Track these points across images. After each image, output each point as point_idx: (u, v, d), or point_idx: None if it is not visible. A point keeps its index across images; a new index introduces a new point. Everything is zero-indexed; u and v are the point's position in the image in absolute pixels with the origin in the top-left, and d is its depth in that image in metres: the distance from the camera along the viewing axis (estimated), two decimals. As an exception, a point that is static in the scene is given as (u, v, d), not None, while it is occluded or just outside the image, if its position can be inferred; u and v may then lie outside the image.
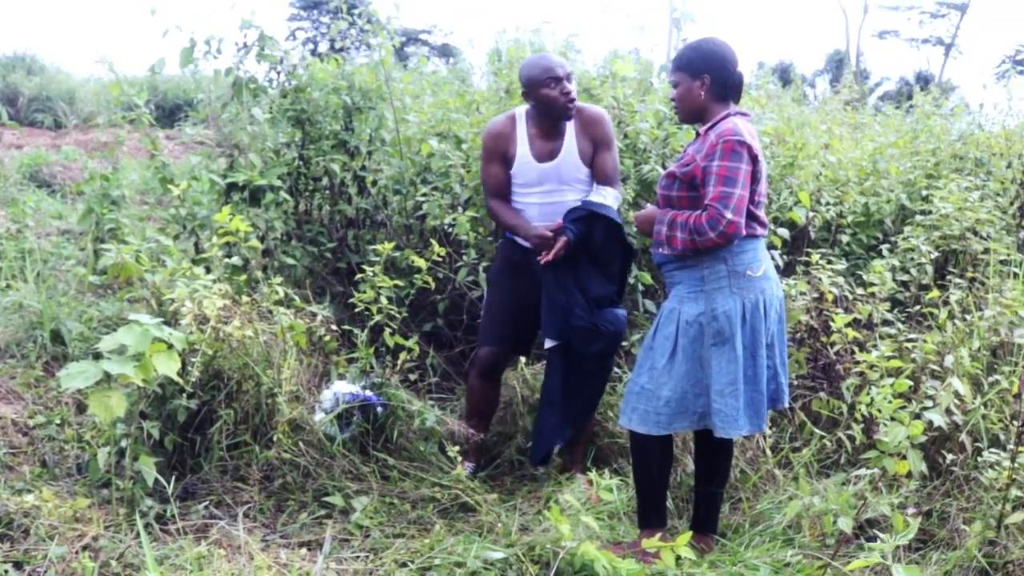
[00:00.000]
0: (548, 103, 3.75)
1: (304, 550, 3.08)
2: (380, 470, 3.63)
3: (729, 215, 2.95)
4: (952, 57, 38.70)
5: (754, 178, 3.07)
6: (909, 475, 2.89)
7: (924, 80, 35.44)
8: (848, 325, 4.00)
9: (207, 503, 3.38)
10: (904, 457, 2.68)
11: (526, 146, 3.84)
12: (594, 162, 3.82)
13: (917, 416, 2.69)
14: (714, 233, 2.97)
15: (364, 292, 3.87)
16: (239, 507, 3.37)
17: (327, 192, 5.17)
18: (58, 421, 3.92)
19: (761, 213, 3.17)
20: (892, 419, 2.66)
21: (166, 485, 3.29)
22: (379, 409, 3.75)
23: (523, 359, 4.36)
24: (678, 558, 2.81)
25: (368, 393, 3.76)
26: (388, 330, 3.86)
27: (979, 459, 3.41)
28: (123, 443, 3.32)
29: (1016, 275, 4.74)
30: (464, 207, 4.79)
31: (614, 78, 5.42)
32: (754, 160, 3.05)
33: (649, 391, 3.17)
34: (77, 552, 2.84)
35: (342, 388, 3.77)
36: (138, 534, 3.05)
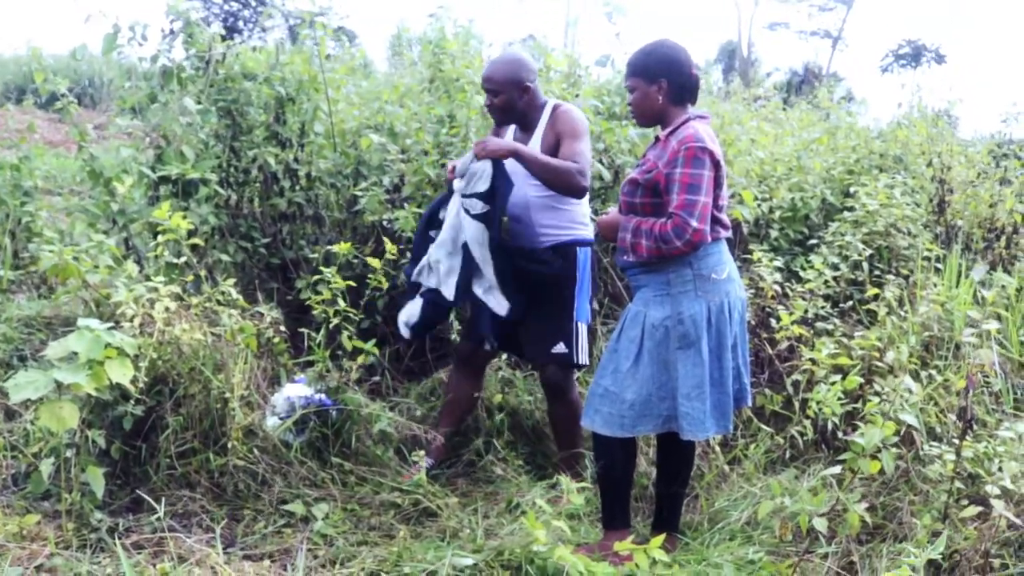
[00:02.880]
0: None
1: (267, 561, 2.99)
2: (338, 476, 3.55)
3: (694, 223, 2.97)
4: (839, 50, 40.01)
5: (716, 183, 3.10)
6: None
7: (812, 72, 36.53)
8: (794, 322, 4.09)
9: (159, 515, 3.24)
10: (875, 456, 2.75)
11: (508, 139, 3.92)
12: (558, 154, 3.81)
13: (887, 416, 2.75)
14: (680, 242, 2.98)
15: (320, 293, 3.77)
16: (192, 518, 3.25)
17: (258, 185, 5.01)
18: (-15, 430, 3.71)
19: (724, 216, 3.20)
20: (866, 420, 2.72)
21: (114, 497, 3.15)
22: (333, 413, 3.67)
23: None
24: (652, 560, 2.83)
25: (322, 397, 3.67)
26: (346, 333, 3.76)
27: (921, 453, 3.54)
28: (67, 453, 3.16)
29: (939, 270, 4.93)
30: (405, 202, 4.71)
31: (546, 71, 5.42)
32: (716, 165, 3.07)
33: (613, 393, 3.17)
34: (32, 573, 2.69)
35: (295, 392, 3.67)
36: (92, 550, 2.95)
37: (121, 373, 2.94)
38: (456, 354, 4.03)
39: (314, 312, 3.86)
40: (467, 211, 3.68)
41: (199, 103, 4.61)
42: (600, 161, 4.97)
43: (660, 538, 2.81)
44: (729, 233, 3.25)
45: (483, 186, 3.64)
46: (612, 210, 3.39)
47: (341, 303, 3.77)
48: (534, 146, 3.79)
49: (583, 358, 3.86)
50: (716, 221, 3.14)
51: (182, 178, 4.37)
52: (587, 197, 3.91)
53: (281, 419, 3.57)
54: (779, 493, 2.96)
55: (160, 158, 4.50)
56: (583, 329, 3.86)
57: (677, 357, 3.09)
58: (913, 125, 6.44)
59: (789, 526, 3.14)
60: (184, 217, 4.30)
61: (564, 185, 3.63)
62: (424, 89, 5.78)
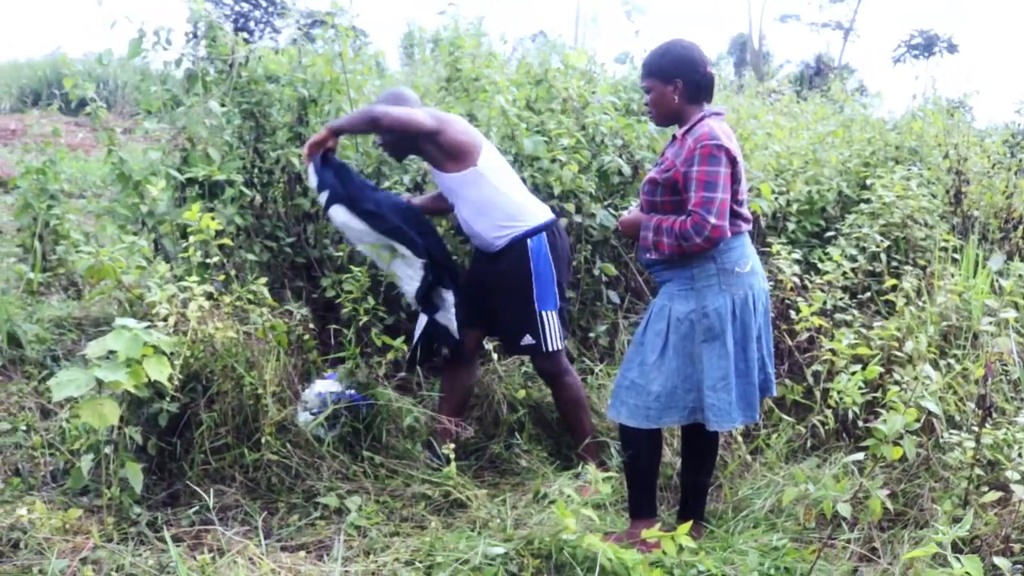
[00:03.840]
0: None
1: (303, 553, 3.07)
2: (369, 469, 3.63)
3: (713, 220, 3.03)
4: (851, 41, 39.84)
5: (734, 178, 3.15)
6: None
7: (824, 63, 36.44)
8: (813, 314, 4.14)
9: (197, 508, 3.33)
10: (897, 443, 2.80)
11: None
12: None
13: (908, 404, 2.81)
14: (700, 238, 3.04)
15: (348, 292, 3.84)
16: (228, 511, 3.34)
17: (282, 185, 5.09)
18: (24, 427, 3.81)
19: (744, 210, 3.26)
20: (888, 407, 2.78)
21: (151, 492, 3.24)
22: (363, 408, 3.74)
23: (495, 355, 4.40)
24: (680, 547, 2.90)
25: (352, 392, 3.75)
26: (375, 330, 3.83)
27: (940, 440, 3.59)
28: (106, 450, 3.25)
29: (955, 260, 4.97)
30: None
31: (567, 70, 5.47)
32: (732, 162, 3.13)
33: (639, 385, 3.24)
34: (77, 566, 2.77)
35: (325, 387, 3.75)
36: (133, 543, 3.03)
37: (159, 371, 3.02)
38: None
39: (343, 311, 3.92)
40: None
41: (223, 106, 4.70)
42: (620, 157, 5.04)
43: (687, 525, 2.88)
44: (750, 226, 3.31)
45: (313, 184, 3.90)
46: (633, 209, 3.45)
47: (371, 300, 3.83)
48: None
49: (553, 345, 3.94)
50: (737, 215, 3.20)
51: (208, 180, 4.46)
52: (520, 186, 4.08)
53: (313, 415, 3.65)
54: (802, 481, 3.02)
55: (186, 160, 4.58)
56: (549, 317, 3.94)
57: (703, 350, 3.16)
58: (929, 116, 6.46)
59: (813, 512, 3.19)
60: (212, 218, 4.41)
61: (366, 123, 3.92)
62: (442, 88, 5.85)
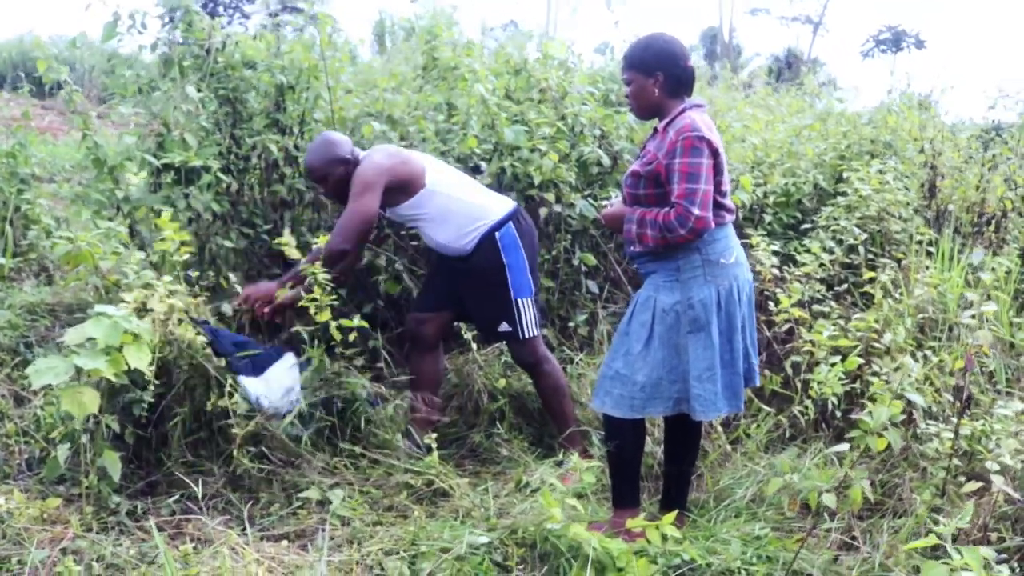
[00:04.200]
0: None
1: (285, 542, 3.04)
2: (349, 461, 3.59)
3: (696, 211, 3.03)
4: (820, 35, 40.24)
5: (717, 170, 3.16)
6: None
7: (794, 57, 36.77)
8: (794, 305, 4.16)
9: (177, 497, 3.29)
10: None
11: None
12: None
13: (898, 396, 2.83)
14: (684, 230, 3.05)
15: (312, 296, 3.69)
16: (208, 500, 3.30)
17: (258, 172, 5.04)
18: (-4, 416, 3.74)
19: (727, 201, 3.26)
20: (872, 399, 2.80)
21: (129, 481, 3.19)
22: (338, 403, 3.69)
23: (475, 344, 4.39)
24: (664, 537, 2.91)
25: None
26: (332, 323, 3.67)
27: (918, 431, 3.63)
28: (83, 439, 3.19)
29: (930, 253, 5.02)
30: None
31: (545, 59, 5.46)
32: (715, 153, 3.13)
33: (624, 376, 3.24)
34: (58, 556, 2.73)
35: (281, 380, 3.66)
36: (114, 532, 2.99)
37: (139, 358, 2.97)
38: (409, 335, 4.13)
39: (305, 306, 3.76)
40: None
41: (199, 91, 4.64)
42: (599, 147, 5.03)
43: (672, 515, 2.90)
44: (734, 217, 3.32)
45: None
46: (616, 201, 3.46)
47: (319, 294, 3.66)
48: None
49: (529, 331, 3.98)
50: (720, 206, 3.20)
51: (185, 166, 4.40)
52: (473, 185, 4.11)
53: (285, 413, 3.59)
54: (787, 471, 3.03)
55: (161, 146, 4.52)
56: (524, 304, 3.97)
57: (688, 341, 3.16)
58: (902, 111, 6.52)
59: (797, 502, 3.21)
60: (187, 204, 4.36)
61: (339, 254, 3.82)
62: (418, 76, 5.81)
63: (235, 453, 3.37)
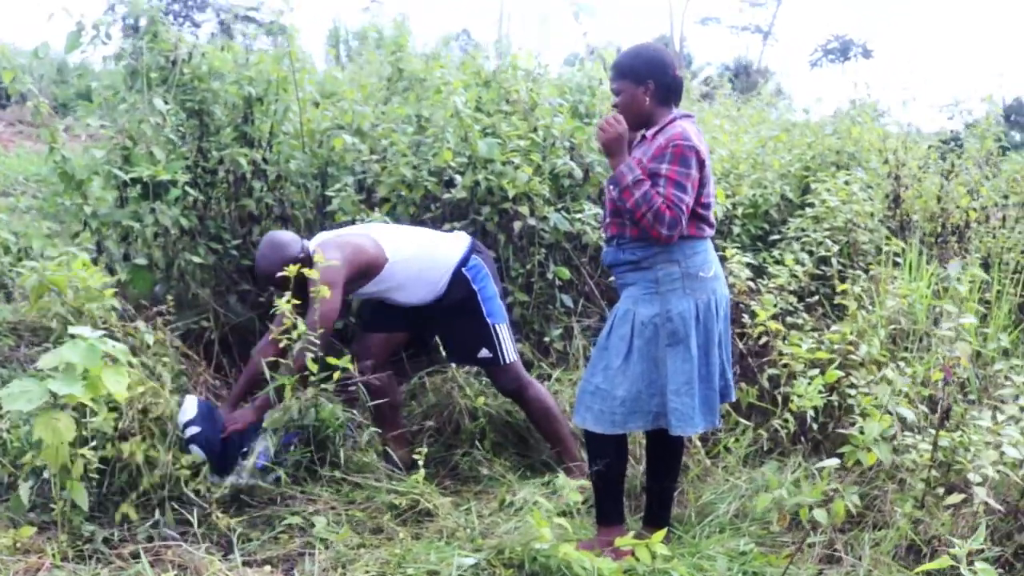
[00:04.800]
0: None
1: (268, 568, 2.98)
2: (330, 485, 3.52)
3: (682, 220, 3.04)
4: (769, 45, 40.78)
5: (701, 182, 3.15)
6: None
7: (743, 66, 37.20)
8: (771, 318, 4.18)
9: (152, 522, 3.21)
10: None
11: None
12: None
13: (888, 411, 2.85)
14: (667, 231, 3.02)
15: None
16: (186, 526, 3.22)
17: (225, 186, 4.95)
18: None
19: (709, 214, 3.25)
20: (854, 413, 2.81)
21: (101, 508, 3.11)
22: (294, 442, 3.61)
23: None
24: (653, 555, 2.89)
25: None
26: (310, 356, 3.50)
27: (896, 443, 3.65)
28: (45, 473, 3.09)
29: (897, 264, 5.08)
30: (379, 205, 4.70)
31: (513, 70, 5.44)
32: (701, 164, 3.13)
33: (604, 391, 3.21)
34: (35, 587, 2.65)
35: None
36: (93, 562, 2.91)
37: (116, 382, 2.89)
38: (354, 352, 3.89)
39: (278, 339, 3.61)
40: None
41: (165, 103, 4.55)
42: (571, 159, 5.02)
43: (661, 533, 2.88)
44: (713, 231, 3.32)
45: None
46: (620, 119, 3.25)
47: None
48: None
49: (509, 356, 3.97)
50: (702, 219, 3.20)
51: (153, 180, 4.31)
52: (427, 235, 4.07)
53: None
54: (776, 486, 3.04)
55: (127, 159, 4.42)
56: (501, 329, 3.97)
57: (666, 354, 3.15)
58: (865, 121, 6.60)
59: (786, 517, 3.22)
60: (155, 219, 4.27)
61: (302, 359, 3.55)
62: (384, 87, 5.77)
63: (214, 516, 3.26)
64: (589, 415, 3.26)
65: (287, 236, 3.80)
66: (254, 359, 3.69)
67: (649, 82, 3.21)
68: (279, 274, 3.59)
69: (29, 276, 3.41)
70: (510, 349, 3.97)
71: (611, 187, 3.17)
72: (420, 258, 3.88)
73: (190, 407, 3.45)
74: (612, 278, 3.40)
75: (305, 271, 3.50)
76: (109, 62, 4.67)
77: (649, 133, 3.22)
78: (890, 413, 2.94)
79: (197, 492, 3.34)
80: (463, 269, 3.92)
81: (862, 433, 2.87)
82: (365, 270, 3.77)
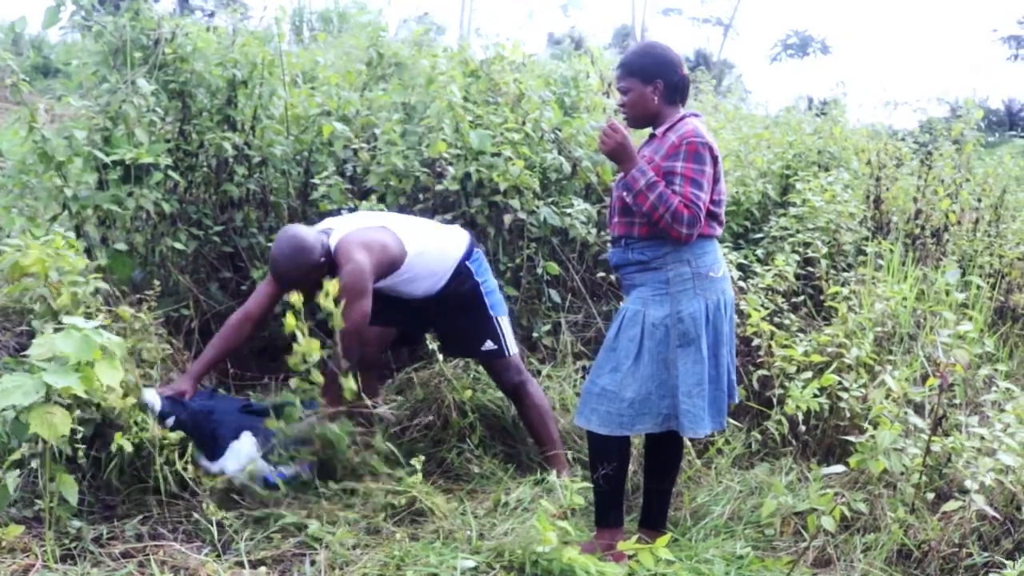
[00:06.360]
0: None
1: (263, 568, 2.91)
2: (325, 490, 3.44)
3: (701, 219, 3.03)
4: (730, 38, 41.04)
5: (714, 178, 3.13)
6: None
7: (703, 58, 37.40)
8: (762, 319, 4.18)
9: (141, 518, 3.12)
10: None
11: None
12: None
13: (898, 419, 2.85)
14: (686, 230, 3.00)
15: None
16: (176, 525, 3.14)
17: (206, 169, 4.83)
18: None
19: (721, 212, 3.23)
20: (873, 423, 2.81)
21: (87, 504, 3.02)
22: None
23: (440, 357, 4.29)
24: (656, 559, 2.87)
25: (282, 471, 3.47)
26: (315, 371, 3.41)
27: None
28: (33, 463, 2.98)
29: (879, 266, 5.11)
30: (367, 196, 4.61)
31: (500, 61, 5.37)
32: (715, 161, 3.11)
33: (611, 392, 3.17)
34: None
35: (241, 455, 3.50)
36: (84, 561, 2.82)
37: (111, 375, 2.80)
38: None
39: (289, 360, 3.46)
40: None
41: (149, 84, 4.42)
42: (559, 153, 4.98)
43: (666, 537, 2.86)
44: (722, 230, 3.30)
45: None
46: (622, 123, 3.24)
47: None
48: None
49: (512, 348, 3.94)
50: (713, 217, 3.18)
51: (134, 162, 4.18)
52: (434, 227, 3.99)
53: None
54: (781, 492, 3.03)
55: (107, 140, 4.28)
56: (504, 322, 3.94)
57: (677, 355, 3.12)
58: (841, 119, 6.65)
59: (791, 524, 3.22)
60: (137, 204, 4.14)
61: (355, 342, 3.51)
62: (364, 73, 5.67)
63: (206, 508, 3.17)
64: (595, 417, 3.21)
65: (309, 237, 3.57)
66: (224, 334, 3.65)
67: (658, 81, 3.18)
68: (299, 280, 3.49)
69: (8, 255, 3.27)
70: (512, 342, 3.93)
71: (625, 193, 3.13)
72: (431, 250, 3.81)
73: (153, 399, 3.36)
74: (614, 276, 3.37)
75: (328, 284, 3.35)
76: (88, 39, 4.51)
77: (659, 131, 3.19)
78: (903, 422, 2.93)
79: (186, 487, 3.27)
80: (467, 262, 3.87)
81: (872, 441, 2.86)
82: (387, 268, 3.68)
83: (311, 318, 3.72)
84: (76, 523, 2.99)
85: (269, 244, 4.65)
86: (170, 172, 4.38)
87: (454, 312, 3.88)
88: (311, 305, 3.44)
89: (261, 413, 3.53)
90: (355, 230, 3.68)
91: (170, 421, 3.34)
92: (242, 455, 3.39)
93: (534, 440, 3.98)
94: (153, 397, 3.35)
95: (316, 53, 6.18)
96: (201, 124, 4.69)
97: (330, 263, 3.56)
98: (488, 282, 3.94)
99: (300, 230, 3.60)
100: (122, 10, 4.53)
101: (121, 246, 4.21)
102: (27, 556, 2.74)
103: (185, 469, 3.29)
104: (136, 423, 3.19)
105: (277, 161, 4.85)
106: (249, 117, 4.81)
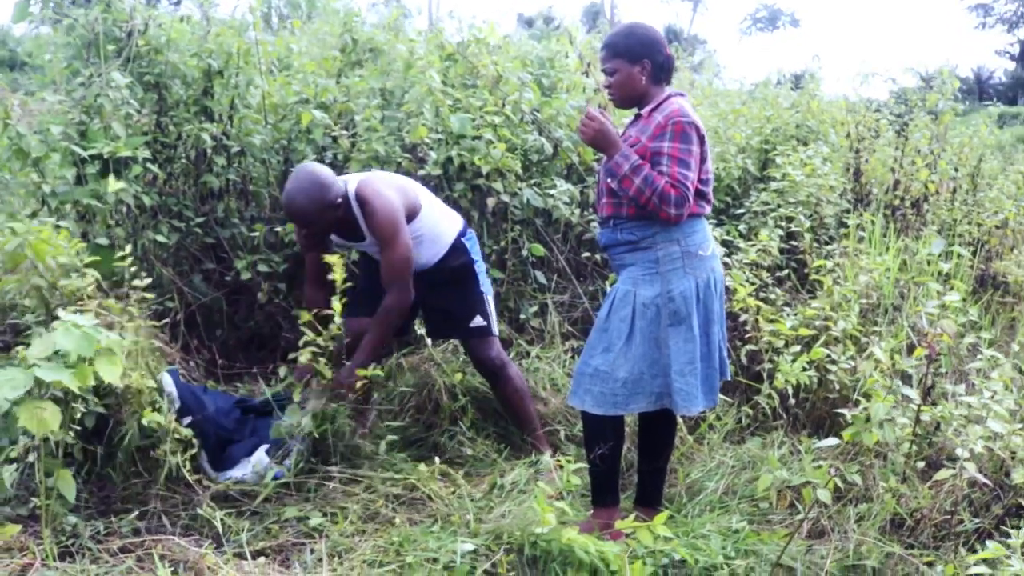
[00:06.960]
0: None
1: (263, 559, 2.90)
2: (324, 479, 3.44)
3: (690, 198, 3.03)
4: (699, 13, 41.05)
5: (701, 157, 3.13)
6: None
7: (673, 34, 37.41)
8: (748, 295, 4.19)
9: (137, 513, 3.11)
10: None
11: None
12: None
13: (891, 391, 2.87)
14: (675, 210, 3.00)
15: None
16: (172, 518, 3.12)
17: (185, 161, 4.78)
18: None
19: (708, 191, 3.24)
20: (864, 395, 2.83)
21: (83, 500, 3.00)
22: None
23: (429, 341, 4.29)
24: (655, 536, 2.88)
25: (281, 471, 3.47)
26: (315, 360, 3.47)
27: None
28: (30, 457, 2.96)
29: (861, 238, 5.14)
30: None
31: (478, 44, 5.34)
32: (701, 140, 3.11)
33: (604, 372, 3.18)
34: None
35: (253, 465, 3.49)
36: (80, 557, 2.80)
37: (110, 371, 2.77)
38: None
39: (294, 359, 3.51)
40: None
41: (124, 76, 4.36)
42: (540, 133, 4.97)
43: (664, 515, 2.87)
44: (711, 208, 3.30)
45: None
46: (602, 113, 3.20)
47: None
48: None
49: (496, 327, 3.98)
50: (701, 196, 3.18)
51: (112, 156, 4.13)
52: (434, 196, 3.97)
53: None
54: (775, 467, 3.05)
55: (84, 135, 4.23)
56: (490, 300, 3.97)
57: (668, 334, 3.12)
58: (817, 92, 6.67)
59: (786, 497, 3.24)
60: (117, 198, 4.10)
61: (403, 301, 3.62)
62: (338, 59, 5.62)
63: (201, 510, 3.16)
64: (588, 397, 3.22)
65: (326, 174, 3.52)
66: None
67: (645, 61, 3.17)
68: (315, 218, 3.49)
69: (6, 241, 3.23)
70: (495, 320, 3.96)
71: (609, 179, 3.13)
72: (437, 214, 3.82)
73: (170, 386, 3.35)
74: (600, 256, 3.37)
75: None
76: (60, 33, 4.45)
77: (645, 111, 3.19)
78: (894, 394, 2.95)
79: (187, 484, 3.25)
80: (462, 238, 3.88)
81: (866, 413, 2.89)
82: (409, 212, 3.65)
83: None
84: (72, 519, 2.97)
85: (251, 234, 4.63)
86: (149, 165, 4.34)
87: (448, 287, 3.87)
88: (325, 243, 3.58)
89: (257, 409, 3.52)
90: (373, 174, 3.72)
91: (187, 420, 3.34)
92: (253, 468, 3.41)
93: (514, 422, 3.99)
94: (170, 384, 3.34)
95: (290, 40, 6.10)
96: (178, 115, 4.64)
97: (346, 205, 3.57)
98: (480, 262, 3.96)
99: (316, 168, 3.56)
100: (93, 2, 4.46)
101: (102, 240, 4.17)
102: (25, 555, 2.72)
103: (187, 467, 3.27)
104: (151, 404, 3.19)
105: (256, 151, 4.82)
106: (226, 107, 4.76)
